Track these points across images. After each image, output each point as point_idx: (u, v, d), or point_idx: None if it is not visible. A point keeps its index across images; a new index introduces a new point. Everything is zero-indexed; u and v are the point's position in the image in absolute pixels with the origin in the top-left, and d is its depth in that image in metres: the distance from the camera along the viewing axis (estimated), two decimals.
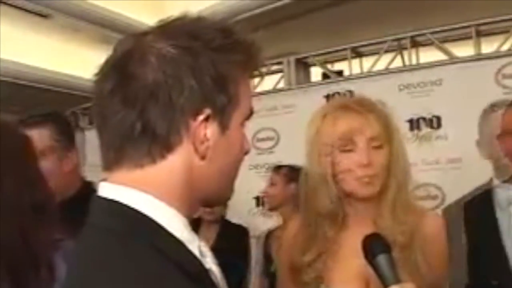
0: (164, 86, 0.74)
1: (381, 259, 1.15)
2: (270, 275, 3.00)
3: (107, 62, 0.79)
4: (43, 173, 1.24)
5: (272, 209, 3.48)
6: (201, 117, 0.75)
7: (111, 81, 0.76)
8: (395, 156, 1.40)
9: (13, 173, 1.13)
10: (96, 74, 0.79)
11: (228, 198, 0.88)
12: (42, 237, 1.13)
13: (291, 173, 3.16)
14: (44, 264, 1.10)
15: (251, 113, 0.84)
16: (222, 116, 0.78)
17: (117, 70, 0.76)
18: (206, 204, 0.86)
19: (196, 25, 0.79)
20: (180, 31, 0.78)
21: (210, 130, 0.77)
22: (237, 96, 0.79)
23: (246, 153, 0.86)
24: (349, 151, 1.38)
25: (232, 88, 0.78)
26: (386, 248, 1.17)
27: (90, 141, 5.27)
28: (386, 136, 1.41)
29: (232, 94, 0.78)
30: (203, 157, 0.77)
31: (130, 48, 0.77)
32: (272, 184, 3.39)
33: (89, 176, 1.94)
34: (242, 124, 0.83)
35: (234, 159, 0.83)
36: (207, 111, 0.76)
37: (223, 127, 0.78)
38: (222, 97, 0.77)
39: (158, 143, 0.75)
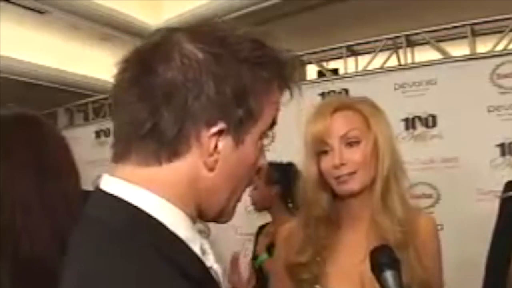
0: (181, 88, 0.70)
1: (388, 275, 1.12)
2: (256, 271, 2.90)
3: (134, 51, 0.76)
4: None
5: (259, 210, 3.27)
6: (214, 130, 0.72)
7: (132, 71, 0.74)
8: (381, 150, 1.40)
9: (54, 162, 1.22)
10: (121, 62, 0.76)
11: (225, 218, 0.82)
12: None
13: (272, 173, 2.97)
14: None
15: (273, 124, 0.80)
16: (237, 131, 0.74)
17: (140, 61, 0.74)
18: (202, 216, 0.80)
19: (228, 32, 0.75)
20: (211, 35, 0.74)
21: (223, 144, 0.73)
22: (257, 112, 0.75)
23: (259, 171, 0.82)
24: (325, 152, 1.40)
25: (252, 102, 0.74)
26: (394, 263, 1.14)
27: (84, 138, 5.28)
28: (365, 131, 1.41)
29: (253, 109, 0.74)
30: (211, 169, 0.74)
31: (157, 42, 0.75)
32: (254, 188, 3.14)
33: (83, 174, 1.92)
34: (260, 138, 0.79)
35: (242, 175, 0.79)
36: (222, 125, 0.72)
37: (237, 142, 0.75)
38: (240, 111, 0.73)
39: (165, 147, 0.72)
